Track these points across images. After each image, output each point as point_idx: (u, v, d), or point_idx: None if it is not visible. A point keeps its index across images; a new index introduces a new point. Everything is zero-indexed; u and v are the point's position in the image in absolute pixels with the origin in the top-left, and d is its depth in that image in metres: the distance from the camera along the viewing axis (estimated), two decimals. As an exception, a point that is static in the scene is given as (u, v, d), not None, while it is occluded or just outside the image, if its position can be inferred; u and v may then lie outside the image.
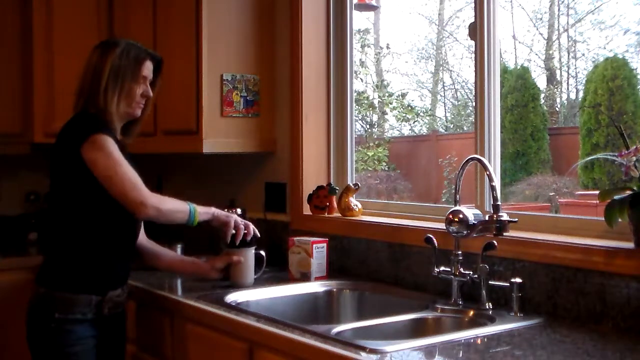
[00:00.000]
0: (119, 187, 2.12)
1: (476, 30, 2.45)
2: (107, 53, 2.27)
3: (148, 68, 2.33)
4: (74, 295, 2.18)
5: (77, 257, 2.21)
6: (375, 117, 10.10)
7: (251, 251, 2.49)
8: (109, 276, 2.26)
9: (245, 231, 2.41)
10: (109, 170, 2.12)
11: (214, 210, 2.37)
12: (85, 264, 2.21)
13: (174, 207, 2.24)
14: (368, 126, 9.99)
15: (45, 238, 2.35)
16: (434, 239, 2.26)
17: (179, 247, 2.73)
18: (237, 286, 2.45)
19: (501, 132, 2.49)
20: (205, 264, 2.51)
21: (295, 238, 2.68)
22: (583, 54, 8.66)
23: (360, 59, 9.70)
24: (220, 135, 2.97)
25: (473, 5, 2.47)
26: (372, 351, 1.67)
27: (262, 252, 2.56)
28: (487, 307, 2.10)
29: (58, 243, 2.25)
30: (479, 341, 1.82)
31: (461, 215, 2.12)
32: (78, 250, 2.21)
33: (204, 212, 2.32)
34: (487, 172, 2.12)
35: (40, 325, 2.19)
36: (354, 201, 2.81)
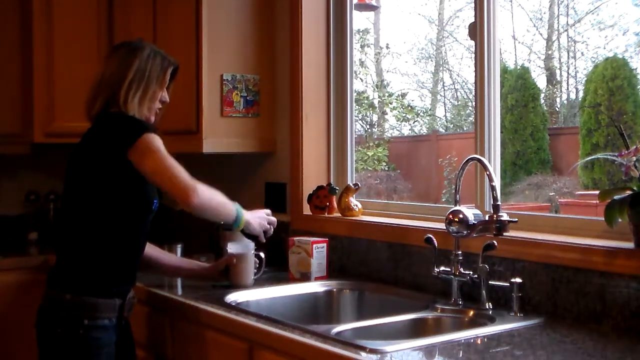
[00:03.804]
0: (170, 178, 2.09)
1: (476, 30, 2.45)
2: (134, 54, 2.25)
3: (169, 75, 2.33)
4: (101, 300, 2.13)
5: (102, 260, 2.15)
6: (375, 117, 10.10)
7: (251, 252, 2.49)
8: (129, 278, 2.23)
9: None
10: (159, 165, 2.09)
11: (255, 217, 2.31)
12: (109, 267, 2.16)
13: (221, 202, 2.20)
14: (368, 126, 10.00)
15: (62, 241, 2.26)
16: (434, 239, 2.26)
17: (179, 248, 2.73)
18: (237, 286, 2.45)
19: (501, 132, 2.49)
20: (209, 267, 2.51)
21: (295, 238, 2.68)
22: (583, 54, 8.67)
23: (360, 59, 9.70)
24: (220, 135, 2.97)
25: (473, 5, 2.47)
26: (372, 351, 1.67)
27: (262, 254, 2.56)
28: (487, 307, 2.10)
29: (80, 246, 2.18)
30: (479, 341, 1.82)
31: (461, 215, 2.12)
32: (102, 253, 2.15)
33: (249, 220, 2.27)
34: (487, 172, 2.12)
35: (66, 333, 2.11)
36: (354, 201, 2.81)
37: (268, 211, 2.39)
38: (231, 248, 2.50)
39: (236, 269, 2.47)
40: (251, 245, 2.50)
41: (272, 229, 2.37)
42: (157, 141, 2.12)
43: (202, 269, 2.51)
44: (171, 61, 2.34)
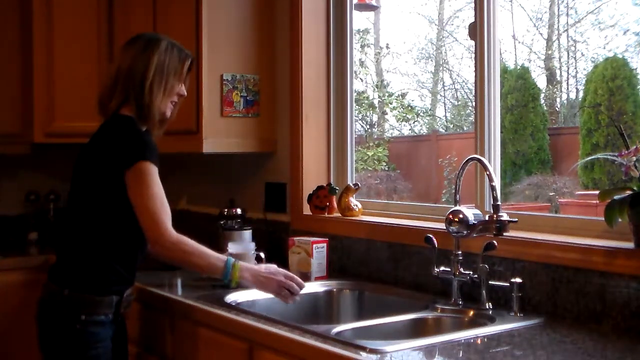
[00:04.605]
0: (144, 220, 2.11)
1: (476, 30, 2.45)
2: (152, 48, 2.23)
3: (187, 68, 2.32)
4: (99, 297, 2.16)
5: (101, 258, 2.18)
6: (375, 117, 10.09)
7: (251, 252, 2.49)
8: (127, 276, 2.25)
9: (294, 285, 2.21)
10: (143, 204, 2.11)
11: (254, 270, 2.21)
12: (108, 265, 2.18)
13: (198, 257, 2.14)
14: (368, 126, 9.99)
15: (64, 238, 2.29)
16: (434, 239, 2.26)
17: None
18: (237, 286, 2.45)
19: (501, 132, 2.49)
20: None
21: (295, 238, 2.68)
22: (583, 54, 8.66)
23: (360, 59, 9.70)
24: (220, 135, 2.97)
25: (473, 5, 2.47)
26: (372, 351, 1.67)
27: (262, 254, 2.56)
28: (487, 307, 2.10)
29: (81, 245, 2.21)
30: (479, 341, 1.82)
31: (461, 215, 2.12)
32: (102, 253, 2.18)
33: (244, 273, 2.18)
34: (487, 172, 2.12)
35: (64, 326, 2.15)
36: (354, 201, 2.81)
37: (290, 275, 2.23)
38: (231, 248, 2.50)
39: None
40: (251, 245, 2.50)
41: (298, 291, 2.21)
42: (152, 173, 2.12)
43: None
44: (188, 54, 2.33)
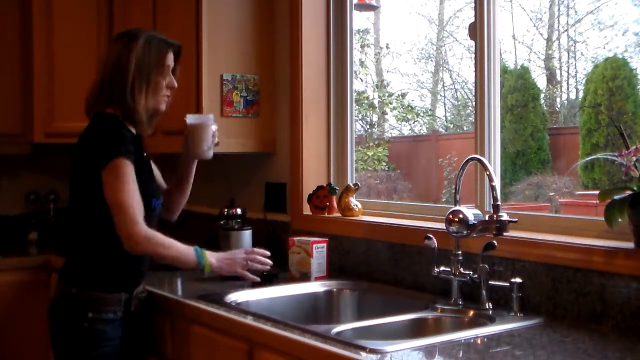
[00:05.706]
0: (119, 219, 2.11)
1: (476, 30, 2.45)
2: (130, 46, 2.22)
3: (170, 58, 2.30)
4: (106, 295, 2.19)
5: (107, 256, 2.21)
6: (375, 117, 10.09)
7: (209, 122, 2.45)
8: (136, 273, 2.28)
9: (257, 256, 2.38)
10: (116, 203, 2.11)
11: (217, 255, 2.31)
12: (115, 262, 2.21)
13: (169, 249, 2.18)
14: (368, 126, 9.98)
15: (69, 237, 2.31)
16: (434, 239, 2.26)
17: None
18: (194, 157, 2.44)
19: (501, 132, 2.49)
20: (182, 149, 2.52)
21: (295, 238, 2.68)
22: (583, 54, 8.66)
23: (360, 59, 9.69)
24: (220, 135, 2.97)
25: (473, 5, 2.47)
26: (372, 351, 1.67)
27: (214, 126, 2.51)
28: (487, 307, 2.10)
29: (84, 243, 2.24)
30: (479, 341, 1.82)
31: (461, 215, 2.13)
32: (107, 249, 2.20)
33: (210, 259, 2.27)
34: (487, 172, 2.12)
35: (72, 325, 2.18)
36: (354, 201, 2.81)
37: (249, 249, 2.41)
38: (189, 119, 2.45)
39: (193, 140, 2.43)
40: (210, 116, 2.47)
41: (263, 261, 2.38)
42: (124, 168, 2.12)
43: (182, 157, 2.51)
44: (169, 43, 2.31)
